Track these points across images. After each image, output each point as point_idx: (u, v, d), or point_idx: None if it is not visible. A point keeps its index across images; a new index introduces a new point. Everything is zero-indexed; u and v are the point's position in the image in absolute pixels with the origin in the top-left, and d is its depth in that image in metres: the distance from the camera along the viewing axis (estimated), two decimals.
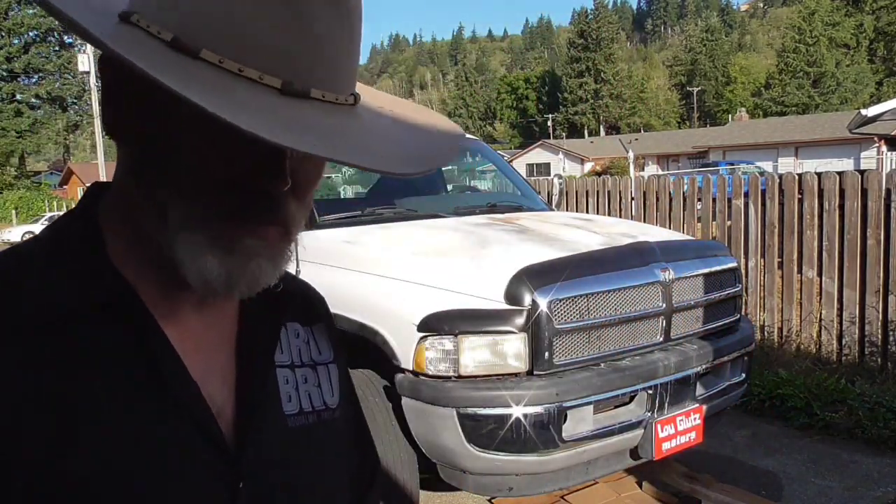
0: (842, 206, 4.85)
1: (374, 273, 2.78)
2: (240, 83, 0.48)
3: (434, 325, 2.44)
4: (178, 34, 0.48)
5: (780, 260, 5.25)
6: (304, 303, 0.73)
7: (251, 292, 0.57)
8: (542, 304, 2.44)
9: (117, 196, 0.59)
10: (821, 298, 5.01)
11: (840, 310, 4.88)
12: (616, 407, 2.70)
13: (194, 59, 0.48)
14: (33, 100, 48.80)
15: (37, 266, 0.56)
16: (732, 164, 26.88)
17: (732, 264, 3.22)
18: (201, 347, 0.60)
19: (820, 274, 4.99)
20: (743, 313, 3.60)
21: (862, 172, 4.89)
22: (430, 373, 2.44)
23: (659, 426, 2.67)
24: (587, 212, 6.90)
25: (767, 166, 27.85)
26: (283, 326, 0.68)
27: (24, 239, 0.62)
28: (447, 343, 2.43)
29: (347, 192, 4.86)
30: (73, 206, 0.62)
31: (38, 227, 32.13)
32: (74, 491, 0.51)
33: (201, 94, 0.45)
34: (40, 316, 0.53)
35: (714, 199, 5.84)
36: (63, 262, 0.56)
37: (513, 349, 2.46)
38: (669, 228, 5.68)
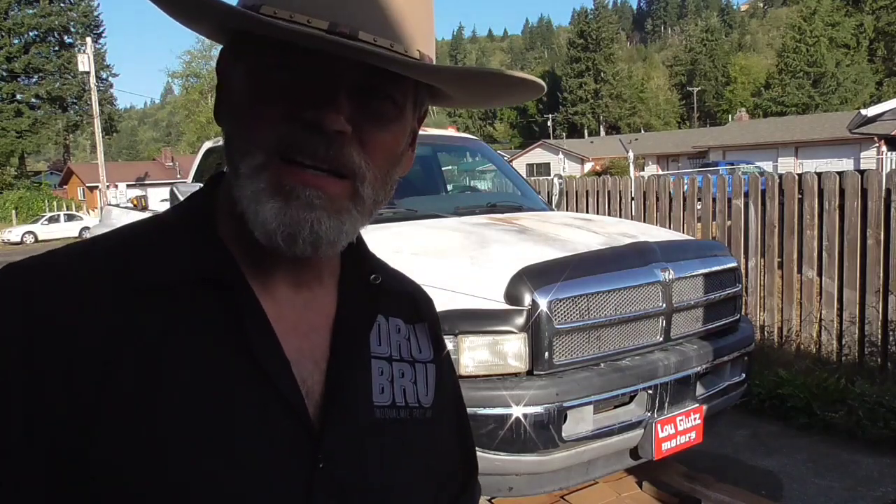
0: (842, 206, 4.85)
1: None
2: (289, 25, 0.54)
3: None
4: None
5: (780, 260, 5.25)
6: (409, 301, 0.75)
7: (316, 250, 0.58)
8: (542, 304, 2.44)
9: (227, 179, 0.63)
10: (821, 298, 5.01)
11: (840, 310, 4.88)
12: (616, 407, 2.70)
13: (258, 14, 0.55)
14: (33, 100, 48.83)
15: (155, 237, 0.62)
16: (732, 164, 26.88)
17: (732, 264, 3.22)
18: (298, 328, 0.62)
19: (820, 274, 4.99)
20: (743, 313, 3.60)
21: (862, 172, 4.89)
22: None
23: (659, 426, 2.67)
24: (587, 212, 6.90)
25: (767, 166, 27.87)
26: (381, 318, 0.70)
27: (87, 237, 0.68)
28: (447, 343, 2.43)
29: None
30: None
31: (38, 227, 32.13)
32: (154, 450, 0.53)
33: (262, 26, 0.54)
34: (148, 282, 0.57)
35: (714, 199, 5.84)
36: (179, 235, 0.61)
37: (513, 349, 2.46)
38: (669, 228, 5.68)
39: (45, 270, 0.57)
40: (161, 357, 0.55)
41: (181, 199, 2.95)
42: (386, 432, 0.65)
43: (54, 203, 40.09)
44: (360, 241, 0.72)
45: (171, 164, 48.20)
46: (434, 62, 0.62)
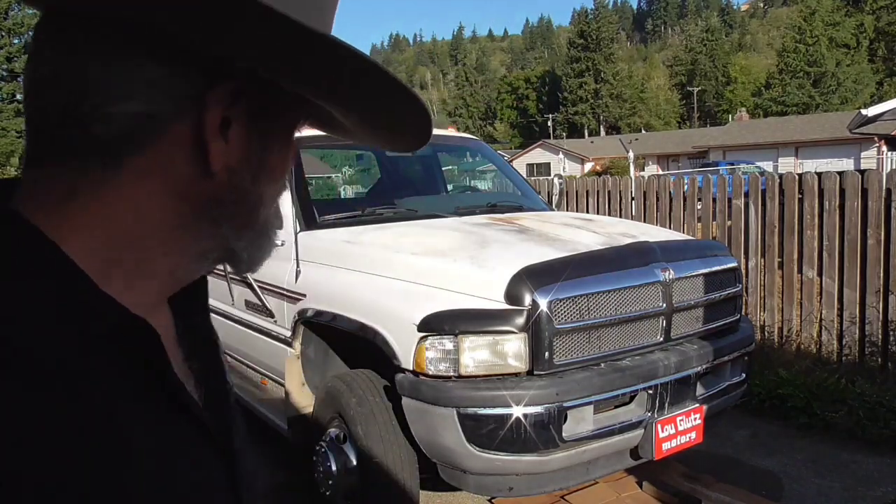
0: (842, 206, 4.85)
1: (374, 273, 2.78)
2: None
3: (434, 325, 2.44)
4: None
5: (780, 260, 5.25)
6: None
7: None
8: (543, 304, 2.44)
9: (104, 217, 0.49)
10: (821, 298, 5.01)
11: (840, 310, 4.88)
12: (616, 407, 2.70)
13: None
14: None
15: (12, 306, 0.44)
16: (732, 164, 26.88)
17: (732, 264, 3.22)
18: (171, 348, 0.56)
19: (820, 274, 4.99)
20: (743, 313, 3.60)
21: (862, 172, 4.89)
22: (431, 373, 2.44)
23: (659, 426, 2.67)
24: (587, 212, 6.90)
25: (767, 166, 27.87)
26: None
27: None
28: (447, 343, 2.43)
29: (347, 192, 4.87)
30: None
31: None
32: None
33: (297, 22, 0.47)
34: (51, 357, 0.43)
35: (714, 199, 5.84)
36: (34, 293, 0.45)
37: (513, 349, 2.46)
38: (669, 228, 5.68)
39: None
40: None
41: None
42: (237, 417, 0.64)
43: None
44: None
45: None
46: None
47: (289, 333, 3.13)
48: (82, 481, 0.41)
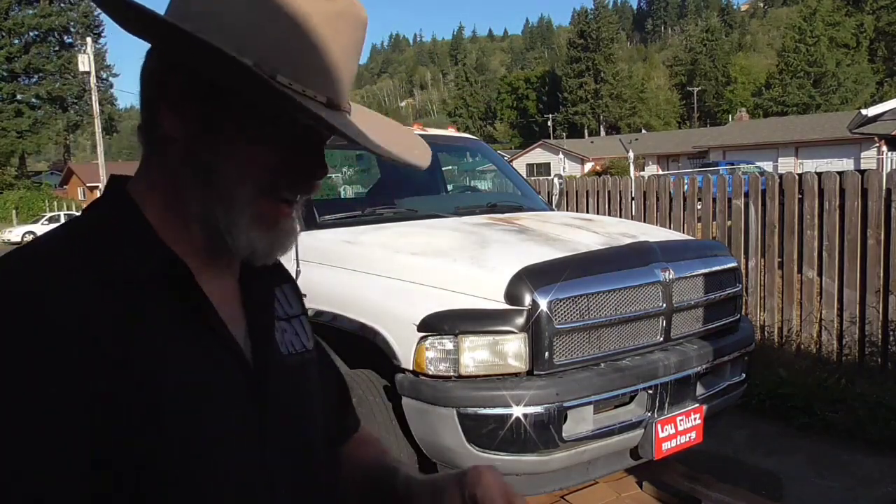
0: (842, 206, 4.85)
1: (374, 273, 2.78)
2: (304, 99, 0.66)
3: (434, 324, 2.44)
4: (257, 60, 0.65)
5: (780, 260, 5.25)
6: (273, 268, 0.86)
7: (281, 256, 0.76)
8: (543, 304, 2.44)
9: (160, 187, 0.72)
10: (821, 298, 5.00)
11: (840, 310, 4.88)
12: (616, 407, 2.70)
13: (272, 80, 0.64)
14: (33, 100, 48.84)
15: (100, 243, 0.68)
16: (732, 164, 26.87)
17: (732, 264, 3.22)
18: (224, 301, 0.74)
19: (820, 274, 4.99)
20: (743, 313, 3.60)
21: (862, 172, 4.89)
22: (431, 373, 2.44)
23: (659, 426, 2.67)
24: (587, 212, 6.90)
25: (767, 166, 27.86)
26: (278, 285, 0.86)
27: (55, 227, 0.74)
28: (447, 343, 2.44)
29: (347, 192, 4.86)
30: (95, 200, 0.76)
31: (38, 227, 32.11)
32: (149, 408, 0.62)
33: (297, 106, 0.65)
34: (116, 280, 0.65)
35: (714, 199, 5.84)
36: (122, 241, 0.69)
37: (513, 349, 2.46)
38: (669, 228, 5.68)
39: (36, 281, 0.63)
40: (141, 340, 0.64)
41: None
42: (294, 374, 0.81)
43: (54, 203, 40.09)
44: None
45: None
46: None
47: None
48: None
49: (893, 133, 18.36)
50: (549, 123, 75.03)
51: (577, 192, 7.32)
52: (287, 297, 0.88)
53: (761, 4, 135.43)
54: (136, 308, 0.65)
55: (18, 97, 48.31)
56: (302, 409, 0.81)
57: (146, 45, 0.70)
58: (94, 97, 29.75)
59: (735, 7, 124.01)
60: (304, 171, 0.73)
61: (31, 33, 48.55)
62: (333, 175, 6.02)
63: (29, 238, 30.86)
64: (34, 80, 49.49)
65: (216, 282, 0.74)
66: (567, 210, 6.74)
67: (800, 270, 5.12)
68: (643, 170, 38.21)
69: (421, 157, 0.81)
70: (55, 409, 0.58)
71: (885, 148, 23.28)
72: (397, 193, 3.87)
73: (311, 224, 3.28)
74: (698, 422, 2.82)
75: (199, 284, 0.70)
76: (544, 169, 42.44)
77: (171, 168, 0.71)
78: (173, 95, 0.69)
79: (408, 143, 0.82)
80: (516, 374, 2.47)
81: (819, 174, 5.10)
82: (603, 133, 73.14)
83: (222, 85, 0.67)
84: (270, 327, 0.79)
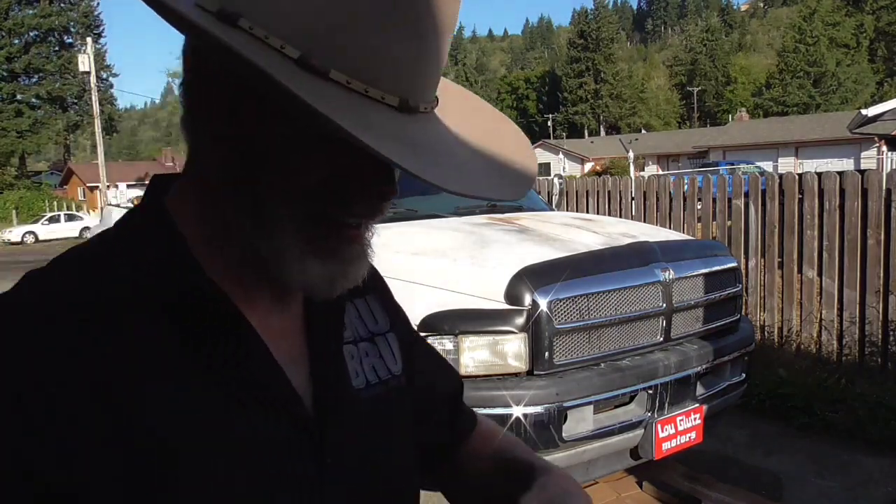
0: (842, 206, 4.85)
1: None
2: (365, 103, 0.49)
3: (434, 324, 2.44)
4: (304, 52, 0.48)
5: (780, 260, 5.25)
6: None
7: (347, 289, 0.60)
8: (543, 304, 2.44)
9: (197, 196, 0.59)
10: (821, 298, 5.00)
11: (840, 310, 4.87)
12: (616, 407, 2.70)
13: (324, 80, 0.48)
14: (33, 100, 48.85)
15: (123, 257, 0.57)
16: (732, 164, 26.87)
17: (732, 264, 3.22)
18: (283, 334, 0.62)
19: (820, 274, 4.99)
20: (743, 313, 3.60)
21: (862, 172, 4.89)
22: None
23: (659, 426, 2.67)
24: (587, 212, 6.90)
25: (767, 166, 27.85)
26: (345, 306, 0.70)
27: (87, 237, 0.65)
28: (447, 343, 2.44)
29: None
30: (137, 202, 0.65)
31: (38, 227, 32.14)
32: (165, 470, 0.51)
33: (337, 115, 0.46)
34: (127, 302, 0.54)
35: (714, 199, 5.84)
36: (146, 254, 0.57)
37: (513, 349, 2.46)
38: (669, 228, 5.67)
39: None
40: (145, 381, 0.52)
41: None
42: (371, 412, 0.67)
43: (54, 203, 40.09)
44: None
45: (171, 164, 48.24)
46: None
47: None
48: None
49: (893, 133, 18.36)
50: (549, 123, 75.04)
51: (577, 192, 7.31)
52: (372, 311, 0.74)
53: (761, 4, 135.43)
54: (139, 348, 0.52)
55: (18, 97, 48.31)
56: (377, 452, 0.67)
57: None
58: (94, 97, 29.75)
59: (735, 7, 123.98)
60: (366, 190, 0.55)
61: (31, 33, 48.55)
62: None
63: (29, 238, 30.98)
64: (34, 80, 49.49)
65: (267, 308, 0.61)
66: (567, 210, 6.74)
67: (800, 270, 5.12)
68: (643, 170, 38.21)
69: (516, 181, 0.62)
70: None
71: (885, 148, 23.28)
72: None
73: None
74: (698, 422, 2.82)
75: (240, 314, 0.57)
76: (544, 169, 42.43)
77: (212, 178, 0.57)
78: (210, 92, 0.55)
79: (507, 150, 0.65)
80: (516, 375, 2.47)
81: (819, 174, 5.10)
82: (603, 133, 73.14)
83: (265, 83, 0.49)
84: (337, 360, 0.66)
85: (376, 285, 0.77)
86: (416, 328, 0.88)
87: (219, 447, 0.54)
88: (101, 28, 51.74)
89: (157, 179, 0.63)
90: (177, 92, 0.59)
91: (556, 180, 5.12)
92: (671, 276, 2.78)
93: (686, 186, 6.04)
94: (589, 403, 2.53)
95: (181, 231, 0.58)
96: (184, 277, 0.56)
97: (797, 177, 5.17)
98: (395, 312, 0.78)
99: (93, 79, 29.19)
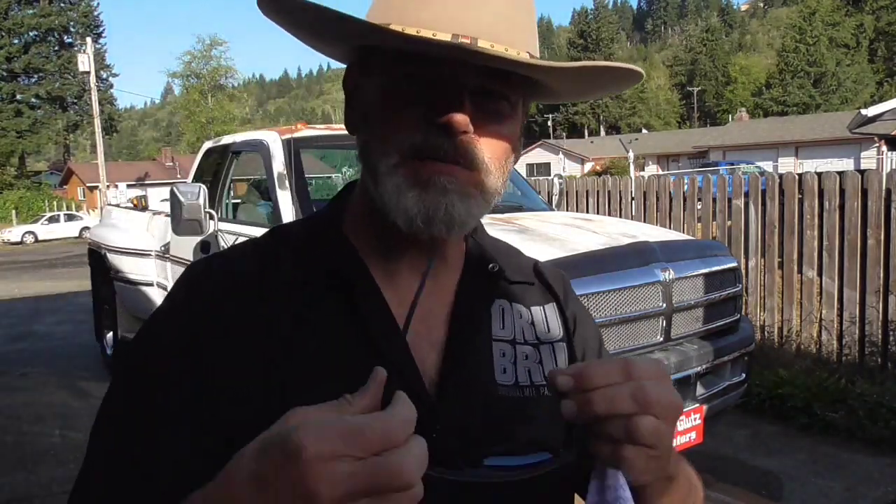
0: (842, 206, 4.85)
1: None
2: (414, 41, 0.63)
3: None
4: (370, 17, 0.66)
5: (780, 260, 5.25)
6: (533, 288, 0.80)
7: (449, 231, 0.66)
8: None
9: (360, 184, 0.73)
10: (821, 298, 5.00)
11: (840, 310, 4.87)
12: None
13: (387, 28, 0.63)
14: (33, 100, 48.86)
15: (295, 240, 0.72)
16: (732, 164, 26.86)
17: (732, 264, 3.22)
18: (419, 315, 0.68)
19: (820, 274, 4.99)
20: (743, 313, 3.60)
21: (862, 172, 4.89)
22: None
23: None
24: (587, 212, 6.90)
25: (767, 166, 27.85)
26: (504, 303, 0.75)
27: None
28: None
29: None
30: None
31: (38, 227, 32.12)
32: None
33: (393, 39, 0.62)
34: (286, 280, 0.67)
35: (714, 199, 5.84)
36: (312, 237, 0.72)
37: None
38: (669, 228, 5.67)
39: (213, 270, 0.70)
40: (294, 343, 0.64)
41: (181, 199, 2.96)
42: (508, 408, 0.69)
43: (54, 203, 40.09)
44: (481, 231, 0.81)
45: (171, 163, 48.18)
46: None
47: None
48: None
49: (893, 133, 18.36)
50: (549, 123, 75.02)
51: (577, 192, 7.31)
52: (546, 319, 0.78)
53: (761, 4, 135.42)
54: (302, 310, 0.66)
55: (18, 97, 48.32)
56: (503, 444, 0.68)
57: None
58: (94, 97, 29.74)
59: (735, 7, 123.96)
60: (432, 121, 0.64)
61: (30, 33, 48.56)
62: (333, 175, 6.01)
63: (29, 238, 30.97)
64: (34, 80, 49.52)
65: (407, 283, 0.70)
66: (567, 210, 6.74)
67: (800, 270, 5.12)
68: (643, 170, 38.21)
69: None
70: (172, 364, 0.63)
71: (885, 148, 23.29)
72: None
73: None
74: (698, 422, 2.82)
75: (370, 281, 0.68)
76: (544, 169, 42.42)
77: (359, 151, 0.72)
78: (349, 72, 0.73)
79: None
80: None
81: (819, 174, 5.10)
82: (603, 133, 73.14)
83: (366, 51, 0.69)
84: (479, 350, 0.71)
85: (556, 297, 0.81)
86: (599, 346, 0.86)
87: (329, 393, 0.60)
88: (101, 28, 51.79)
89: (352, 182, 0.78)
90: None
91: (556, 180, 5.12)
92: (671, 276, 2.78)
93: (686, 186, 6.04)
94: None
95: (344, 217, 0.73)
96: (332, 254, 0.69)
97: (797, 177, 5.17)
98: (581, 325, 0.81)
99: (93, 79, 29.17)
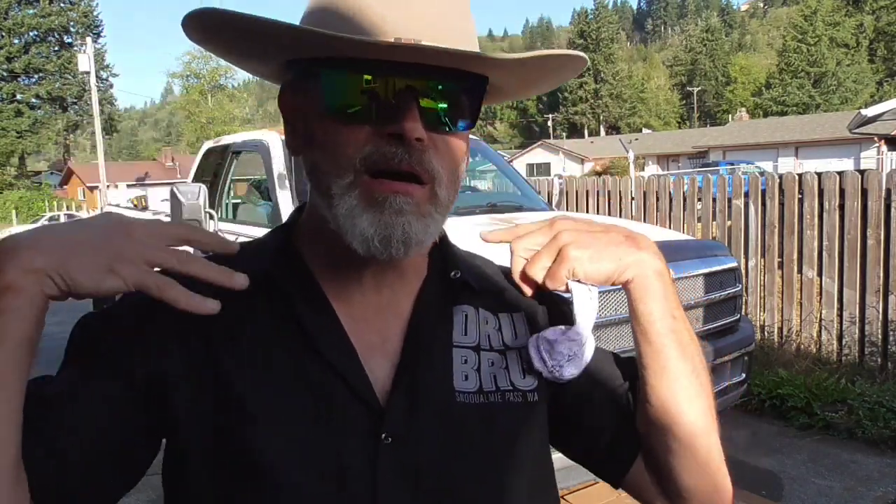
0: (842, 206, 4.85)
1: None
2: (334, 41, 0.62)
3: None
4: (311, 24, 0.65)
5: (780, 260, 5.25)
6: (499, 294, 0.78)
7: (407, 251, 0.65)
8: None
9: (309, 205, 0.74)
10: (821, 298, 5.01)
11: (840, 310, 4.88)
12: None
13: (344, 35, 0.61)
14: (33, 100, 48.83)
15: (251, 249, 0.72)
16: (732, 164, 26.86)
17: (732, 264, 3.22)
18: (372, 326, 0.70)
19: (820, 274, 4.99)
20: (743, 313, 3.60)
21: (862, 172, 4.89)
22: None
23: None
24: (587, 212, 6.90)
25: (767, 166, 27.84)
26: (468, 309, 0.75)
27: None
28: None
29: None
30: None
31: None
32: (235, 417, 0.64)
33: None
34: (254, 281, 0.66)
35: (714, 199, 5.84)
36: (265, 249, 0.73)
37: None
38: (669, 228, 5.67)
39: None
40: (236, 340, 0.67)
41: (181, 199, 2.96)
42: (469, 415, 0.69)
43: (54, 203, 40.08)
44: (444, 241, 0.81)
45: (171, 164, 48.17)
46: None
47: None
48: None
49: (893, 133, 18.37)
50: (549, 123, 75.05)
51: (577, 192, 7.31)
52: (514, 326, 0.77)
53: (761, 4, 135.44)
54: (244, 313, 0.67)
55: (18, 97, 48.28)
56: (461, 447, 0.67)
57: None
58: (94, 97, 29.73)
59: (735, 7, 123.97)
60: (383, 131, 0.63)
61: (30, 33, 48.53)
62: None
63: None
64: (34, 80, 49.48)
65: (370, 301, 0.71)
66: (567, 210, 6.74)
67: (800, 270, 5.12)
68: (643, 170, 38.21)
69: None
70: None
71: (884, 148, 23.30)
72: None
73: None
74: None
75: (316, 292, 0.69)
76: (544, 169, 42.43)
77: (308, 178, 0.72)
78: (283, 93, 0.74)
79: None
80: None
81: (819, 174, 5.10)
82: (603, 133, 73.14)
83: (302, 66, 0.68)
84: (426, 352, 0.70)
85: (525, 306, 0.78)
86: None
87: (285, 399, 0.65)
88: (100, 28, 51.75)
89: (302, 205, 0.79)
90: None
91: (556, 180, 5.12)
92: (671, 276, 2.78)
93: (686, 186, 6.04)
94: None
95: (298, 229, 0.74)
96: (286, 264, 0.70)
97: (797, 177, 5.17)
98: (555, 318, 0.80)
99: (93, 79, 29.16)
